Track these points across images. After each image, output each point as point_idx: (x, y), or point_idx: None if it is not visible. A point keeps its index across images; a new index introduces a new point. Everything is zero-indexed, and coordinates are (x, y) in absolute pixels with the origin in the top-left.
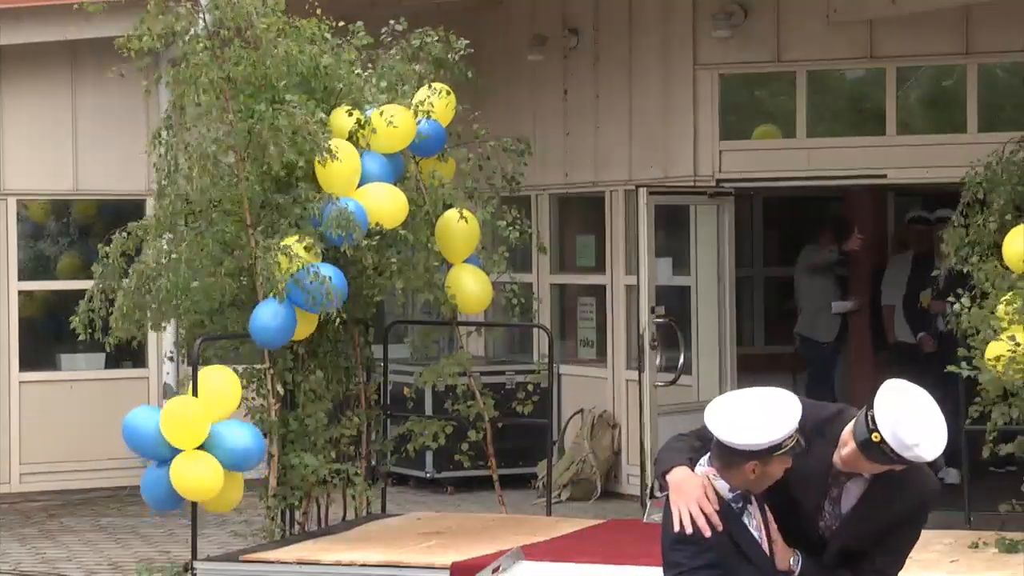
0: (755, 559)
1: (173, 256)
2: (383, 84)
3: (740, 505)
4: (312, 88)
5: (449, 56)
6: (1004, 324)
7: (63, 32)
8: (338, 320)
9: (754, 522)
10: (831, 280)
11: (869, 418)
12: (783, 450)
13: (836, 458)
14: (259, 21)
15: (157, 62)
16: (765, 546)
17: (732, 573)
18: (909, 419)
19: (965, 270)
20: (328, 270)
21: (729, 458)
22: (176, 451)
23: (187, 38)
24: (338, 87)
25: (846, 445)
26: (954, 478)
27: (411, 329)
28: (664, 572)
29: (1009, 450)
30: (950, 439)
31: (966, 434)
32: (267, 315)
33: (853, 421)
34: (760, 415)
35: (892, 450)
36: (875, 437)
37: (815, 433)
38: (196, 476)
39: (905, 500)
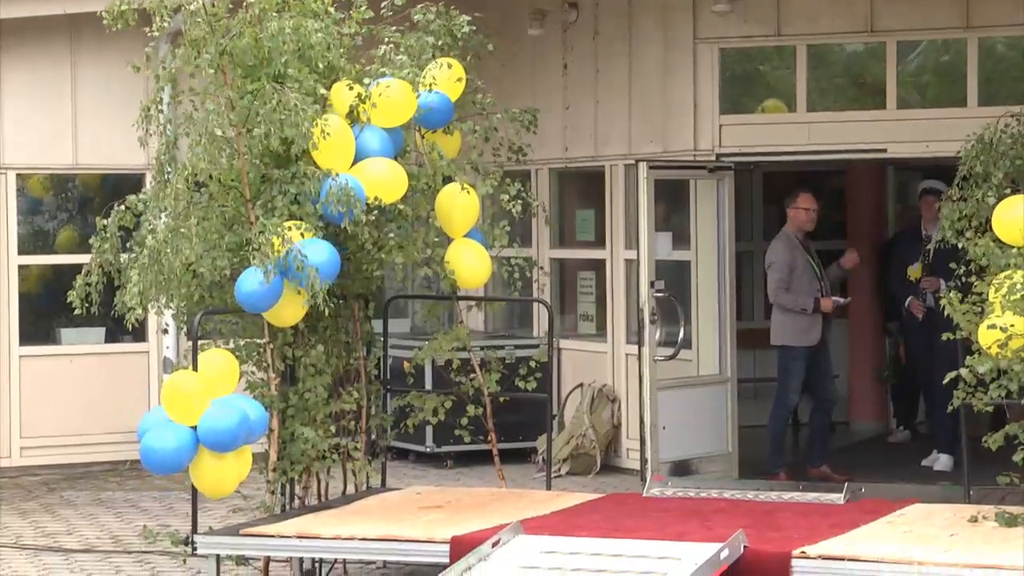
0: None
1: (182, 231)
2: (401, 59)
3: None
4: (312, 61)
5: (463, 31)
6: (995, 309)
7: (63, 6)
8: (326, 310)
9: None
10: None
11: None
12: None
13: None
14: None
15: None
16: None
17: None
18: None
19: (960, 244)
20: (319, 246)
21: None
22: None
23: (184, 15)
24: (329, 61)
25: None
26: (943, 465)
27: (412, 303)
28: None
29: (999, 442)
30: (948, 422)
31: (965, 408)
32: (252, 282)
33: None
34: None
35: None
36: None
37: None
38: (219, 477)
39: None
